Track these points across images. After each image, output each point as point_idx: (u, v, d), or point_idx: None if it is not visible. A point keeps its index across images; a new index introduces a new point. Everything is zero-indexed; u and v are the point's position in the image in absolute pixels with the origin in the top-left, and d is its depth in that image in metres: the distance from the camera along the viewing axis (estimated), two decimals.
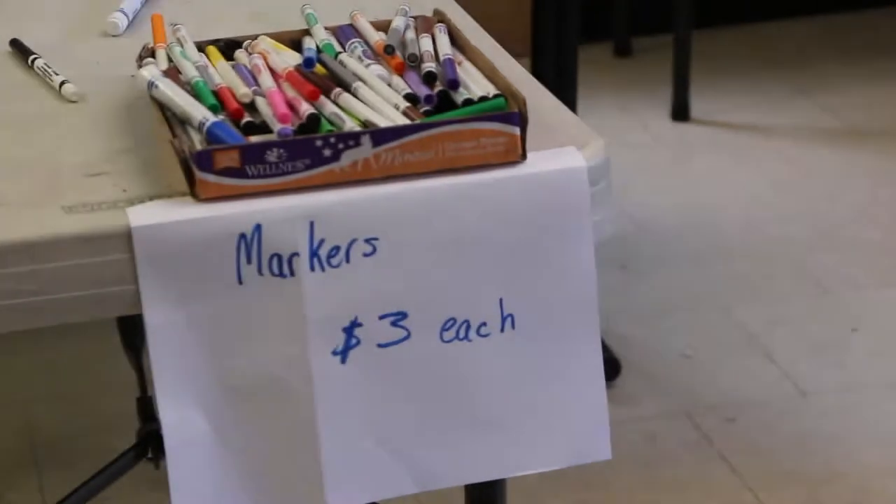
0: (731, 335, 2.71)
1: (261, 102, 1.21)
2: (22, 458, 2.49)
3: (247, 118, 1.19)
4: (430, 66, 1.25)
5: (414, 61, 1.28)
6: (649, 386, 2.53)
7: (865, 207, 3.08)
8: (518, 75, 1.32)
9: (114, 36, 1.51)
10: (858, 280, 2.86)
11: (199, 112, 1.17)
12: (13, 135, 1.29)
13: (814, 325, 2.73)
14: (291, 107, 1.20)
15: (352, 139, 1.13)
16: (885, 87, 3.67)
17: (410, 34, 1.31)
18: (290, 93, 1.23)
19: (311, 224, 1.13)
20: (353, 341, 1.17)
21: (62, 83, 1.36)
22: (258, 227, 1.12)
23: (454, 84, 1.23)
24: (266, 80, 1.24)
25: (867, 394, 2.52)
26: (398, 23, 1.32)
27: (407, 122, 1.16)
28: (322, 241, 1.14)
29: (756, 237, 3.01)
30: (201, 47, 1.32)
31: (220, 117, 1.17)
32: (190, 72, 1.26)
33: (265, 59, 1.28)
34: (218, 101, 1.21)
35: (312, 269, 1.14)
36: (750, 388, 2.53)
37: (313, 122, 1.17)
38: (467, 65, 1.28)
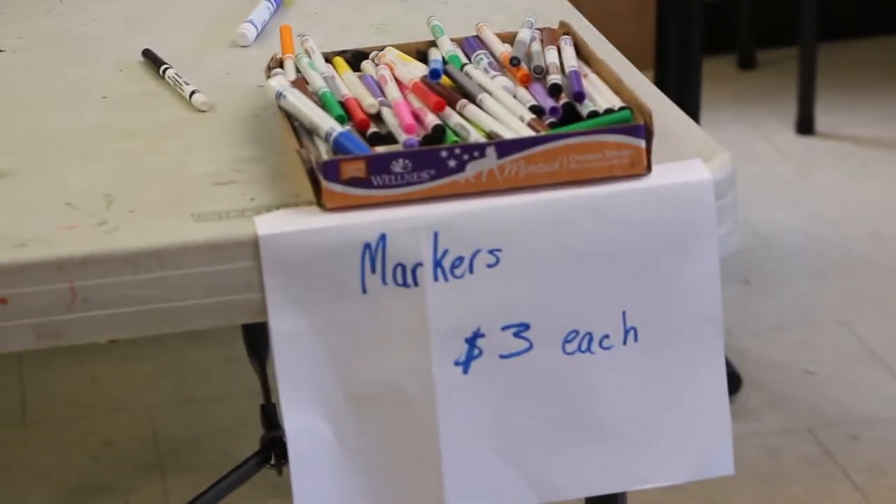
0: (854, 351, 2.69)
1: (387, 113, 1.21)
2: (146, 462, 2.52)
3: (373, 129, 1.20)
4: (555, 78, 1.25)
5: (539, 73, 1.28)
6: (770, 401, 2.52)
7: None
8: (643, 88, 1.31)
9: (243, 46, 1.53)
10: None
11: (326, 122, 1.18)
12: (144, 143, 1.31)
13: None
14: (417, 118, 1.20)
15: (477, 150, 1.13)
16: None
17: (536, 46, 1.31)
18: (416, 104, 1.23)
19: (436, 234, 1.13)
20: (476, 352, 1.17)
21: (192, 93, 1.38)
22: (383, 237, 1.12)
23: (580, 96, 1.22)
24: (392, 91, 1.25)
25: None
26: (524, 35, 1.32)
27: (532, 133, 1.16)
28: (446, 252, 1.14)
29: (880, 252, 2.98)
30: (328, 58, 1.34)
31: (347, 128, 1.18)
32: (317, 82, 1.27)
33: (391, 70, 1.29)
34: (345, 111, 1.22)
35: (436, 279, 1.14)
36: (874, 405, 2.51)
37: (439, 133, 1.18)
38: (593, 77, 1.27)
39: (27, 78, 1.50)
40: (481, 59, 1.31)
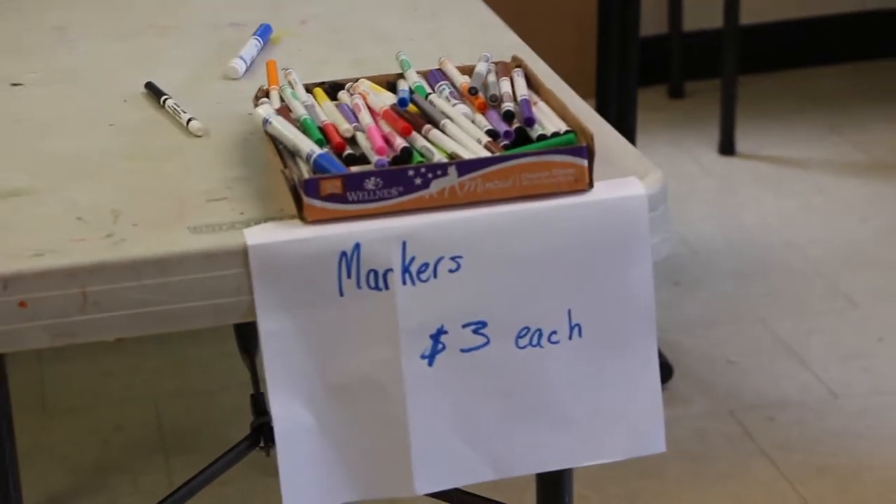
0: (770, 344, 2.72)
1: (360, 137, 1.22)
2: (152, 446, 2.53)
3: (348, 151, 1.20)
4: (508, 105, 1.26)
5: (495, 101, 1.29)
6: (698, 388, 2.54)
7: (890, 231, 3.09)
8: (586, 114, 1.32)
9: (234, 79, 1.54)
10: (884, 295, 2.86)
11: (306, 145, 1.19)
12: (146, 165, 1.33)
13: (844, 336, 2.73)
14: (387, 141, 1.21)
15: (440, 169, 1.14)
16: None
17: (492, 77, 1.32)
18: (386, 129, 1.24)
19: (404, 244, 1.15)
20: (439, 347, 1.18)
21: (189, 120, 1.39)
22: (357, 246, 1.14)
23: (530, 121, 1.24)
24: (365, 117, 1.26)
25: (893, 397, 2.54)
26: (481, 67, 1.33)
27: (488, 154, 1.17)
28: (413, 259, 1.15)
29: (793, 258, 3.01)
30: (309, 89, 1.34)
31: (325, 150, 1.19)
32: (299, 110, 1.28)
33: (364, 99, 1.30)
34: (323, 135, 1.23)
35: (404, 283, 1.15)
36: (787, 390, 2.54)
37: (406, 154, 1.19)
38: (541, 104, 1.29)
39: (43, 108, 1.51)
40: (443, 89, 1.31)
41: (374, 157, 1.19)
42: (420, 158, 1.18)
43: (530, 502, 1.47)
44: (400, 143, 1.20)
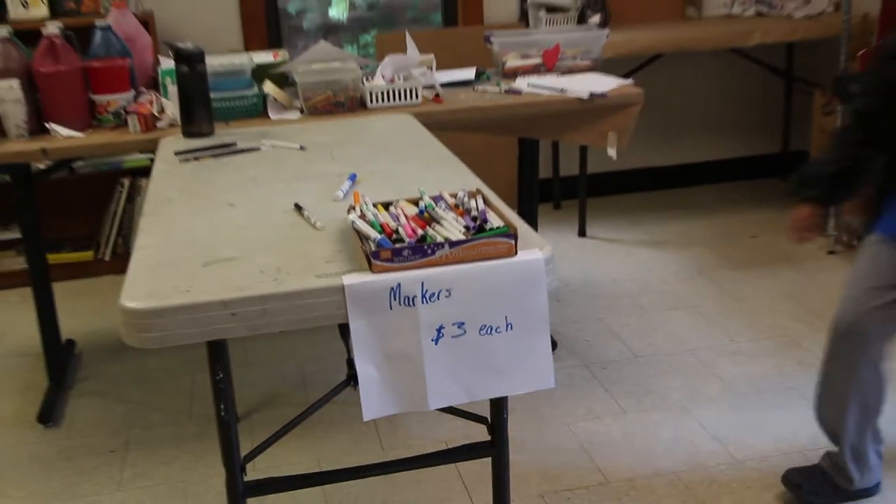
0: (605, 331, 3.13)
1: (400, 229, 1.40)
2: (296, 385, 2.85)
3: (394, 236, 1.38)
4: (474, 213, 1.46)
5: (468, 210, 1.48)
6: (569, 353, 2.97)
7: (664, 276, 3.50)
8: (512, 216, 1.48)
9: (336, 201, 1.70)
10: (660, 306, 3.25)
11: (373, 234, 1.38)
12: (294, 244, 1.47)
13: (639, 327, 3.14)
14: (413, 231, 1.40)
15: (440, 245, 1.33)
16: (682, 221, 4.12)
17: (466, 198, 1.52)
18: (413, 224, 1.43)
19: (422, 283, 1.32)
20: (441, 335, 1.35)
21: (315, 221, 1.56)
22: (399, 285, 1.32)
23: (485, 221, 1.43)
24: (402, 219, 1.45)
25: (666, 356, 2.92)
26: (460, 194, 1.53)
27: (464, 238, 1.36)
28: (426, 290, 1.33)
29: (616, 287, 3.43)
30: (375, 205, 1.52)
31: (382, 236, 1.37)
32: (369, 216, 1.45)
33: (402, 210, 1.49)
34: (381, 228, 1.40)
35: (423, 303, 1.32)
36: (612, 354, 2.95)
37: (422, 238, 1.37)
38: (491, 212, 1.48)
39: (244, 215, 1.66)
40: (442, 205, 1.51)
41: (407, 239, 1.37)
42: (430, 239, 1.36)
43: (485, 411, 1.68)
44: (420, 232, 1.39)
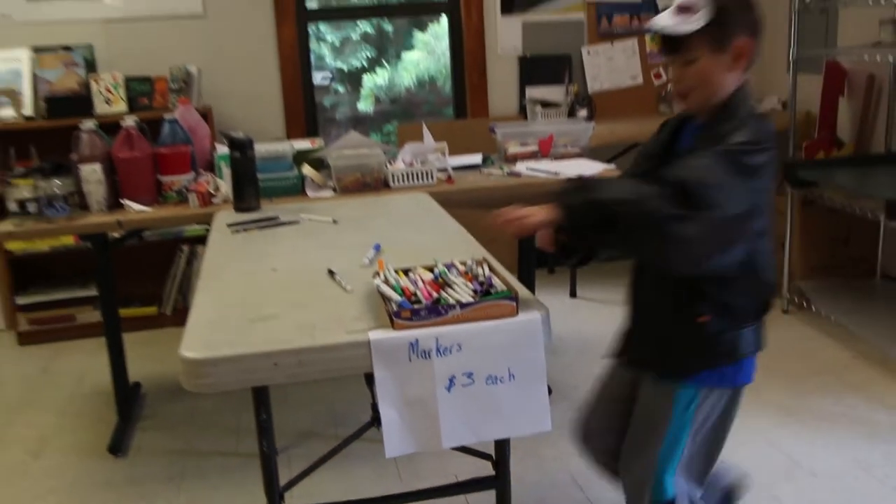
0: (593, 377, 2.86)
1: (418, 292, 1.40)
2: (328, 424, 2.79)
3: (413, 298, 1.38)
4: (481, 278, 1.45)
5: (476, 276, 1.46)
6: (563, 398, 2.86)
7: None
8: (514, 282, 1.47)
9: (363, 266, 1.69)
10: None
11: (395, 296, 1.38)
12: (327, 304, 1.47)
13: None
14: (429, 293, 1.39)
15: (452, 306, 1.32)
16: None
17: (474, 265, 1.51)
18: (429, 288, 1.42)
19: (437, 338, 1.31)
20: (452, 384, 1.33)
21: (345, 284, 1.55)
22: (417, 340, 1.31)
23: (490, 285, 1.42)
24: (419, 283, 1.44)
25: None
26: (469, 262, 1.52)
27: (472, 300, 1.36)
28: (441, 345, 1.32)
29: (605, 342, 3.09)
30: (396, 271, 1.51)
31: (403, 298, 1.38)
32: (391, 281, 1.46)
33: (420, 275, 1.48)
34: (401, 291, 1.41)
35: (438, 356, 1.32)
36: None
37: (437, 300, 1.37)
38: (495, 278, 1.47)
39: (285, 279, 1.64)
40: (454, 271, 1.50)
41: (424, 301, 1.37)
42: (444, 301, 1.36)
43: (491, 449, 1.63)
44: (435, 295, 1.39)
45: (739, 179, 1.34)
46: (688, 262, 1.34)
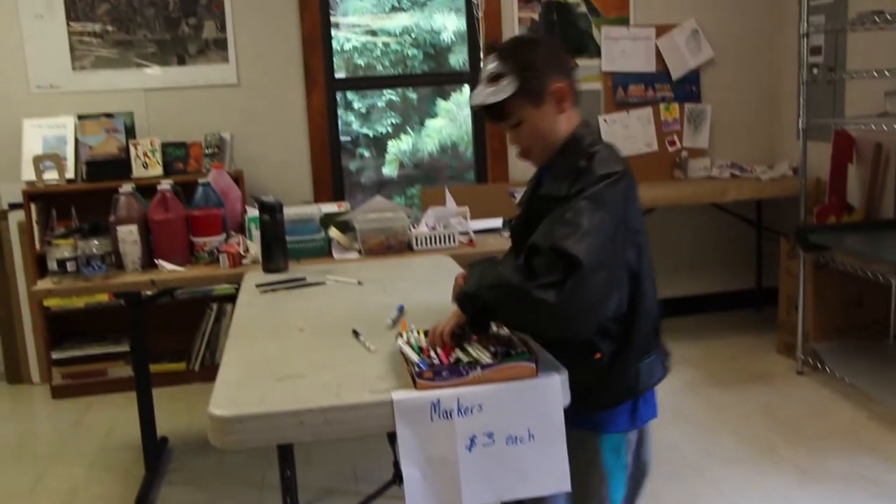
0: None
1: (435, 355, 1.40)
2: (350, 480, 2.72)
3: (428, 359, 1.37)
4: (503, 339, 1.44)
5: (498, 338, 1.45)
6: None
7: (659, 389, 3.27)
8: (532, 343, 1.45)
9: (387, 327, 1.68)
10: None
11: (416, 357, 1.38)
12: (352, 365, 1.44)
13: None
14: (448, 355, 1.39)
15: (473, 367, 1.32)
16: (671, 344, 3.90)
17: (496, 329, 1.48)
18: (448, 351, 1.40)
19: (458, 399, 1.30)
20: (473, 443, 1.32)
21: (369, 345, 1.54)
22: (438, 400, 1.30)
23: (511, 346, 1.41)
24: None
25: (674, 462, 2.56)
26: (493, 326, 1.48)
27: (492, 362, 1.35)
28: (462, 405, 1.31)
29: None
30: (419, 332, 1.51)
31: (422, 358, 1.38)
32: (412, 342, 1.46)
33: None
34: (421, 352, 1.41)
35: (459, 416, 1.30)
36: None
37: (457, 361, 1.36)
38: (516, 339, 1.45)
39: (311, 340, 1.63)
40: (472, 338, 1.46)
41: (444, 362, 1.36)
42: (463, 362, 1.34)
43: None
44: (454, 357, 1.38)
45: (608, 215, 1.35)
46: (579, 321, 1.32)
